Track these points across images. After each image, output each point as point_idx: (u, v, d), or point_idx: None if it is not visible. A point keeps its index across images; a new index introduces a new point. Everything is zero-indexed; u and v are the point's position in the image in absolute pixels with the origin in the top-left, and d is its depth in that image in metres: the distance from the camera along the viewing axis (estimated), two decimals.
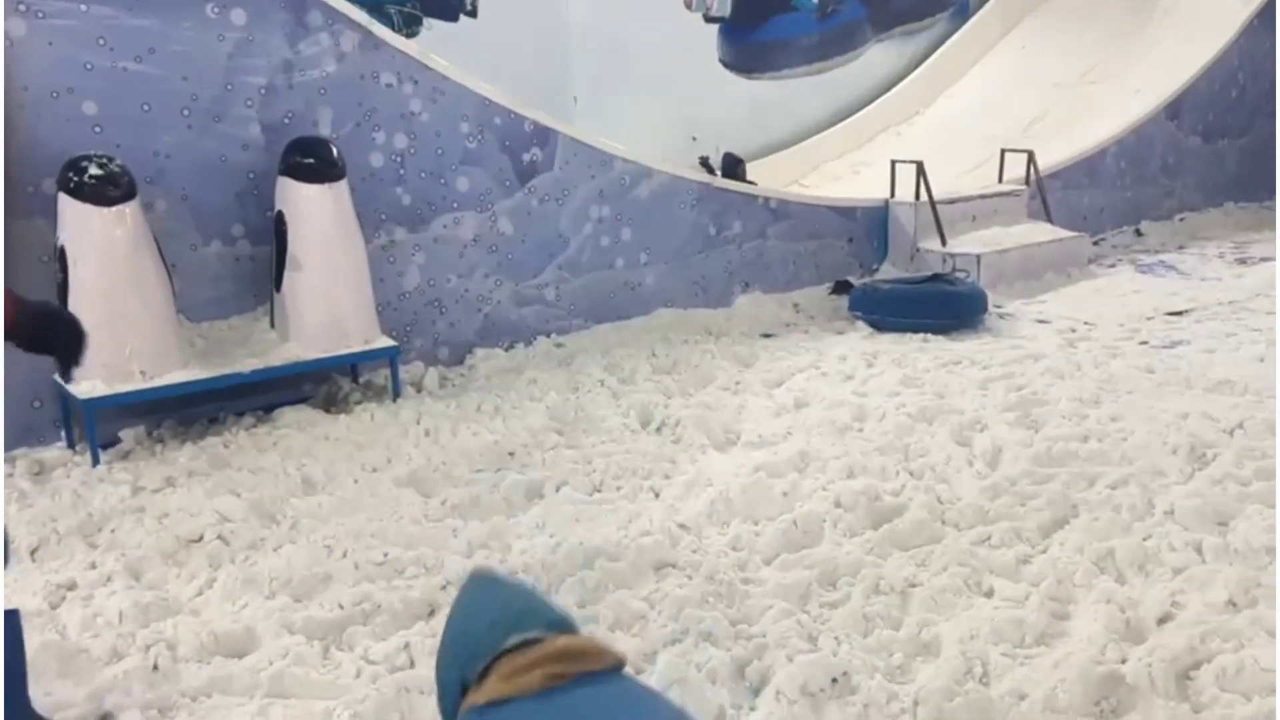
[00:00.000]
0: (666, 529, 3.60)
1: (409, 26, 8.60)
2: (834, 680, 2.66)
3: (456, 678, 1.57)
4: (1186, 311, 6.44)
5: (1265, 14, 9.91)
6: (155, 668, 2.82)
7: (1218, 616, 2.87)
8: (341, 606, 3.13)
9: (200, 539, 3.59)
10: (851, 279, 7.26)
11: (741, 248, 6.84)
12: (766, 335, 6.39)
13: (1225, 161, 9.85)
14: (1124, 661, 2.67)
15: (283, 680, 2.80)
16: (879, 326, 6.35)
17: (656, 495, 3.94)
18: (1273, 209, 10.12)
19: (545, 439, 4.53)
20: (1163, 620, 2.89)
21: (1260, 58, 9.91)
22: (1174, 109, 9.32)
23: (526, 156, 5.83)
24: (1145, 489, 3.74)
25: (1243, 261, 7.92)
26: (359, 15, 5.24)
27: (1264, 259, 7.85)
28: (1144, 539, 3.34)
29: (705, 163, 9.15)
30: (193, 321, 4.89)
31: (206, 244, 4.93)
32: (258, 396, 4.92)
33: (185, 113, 4.79)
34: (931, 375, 5.32)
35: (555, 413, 4.85)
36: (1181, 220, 9.36)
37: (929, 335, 6.12)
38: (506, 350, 5.86)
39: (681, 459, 4.30)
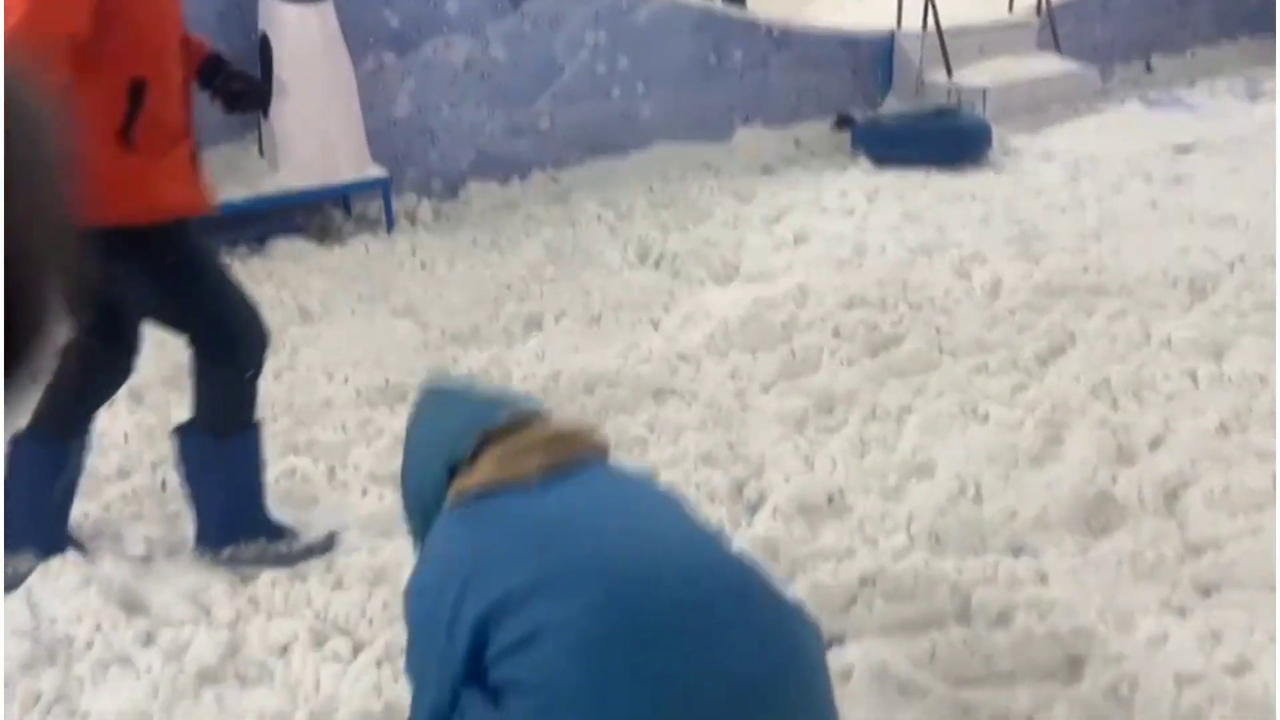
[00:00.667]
0: (665, 358, 3.62)
1: None
2: (829, 499, 2.73)
3: (442, 462, 1.54)
4: (1192, 146, 6.32)
5: None
6: (164, 486, 2.87)
7: (1208, 441, 2.93)
8: (344, 429, 3.17)
9: None
10: (854, 113, 7.08)
11: (742, 78, 6.62)
12: (766, 171, 6.27)
13: None
14: (1115, 481, 2.74)
15: (290, 499, 2.85)
16: (882, 162, 6.22)
17: (655, 326, 3.94)
18: None
19: (542, 272, 4.50)
20: (1154, 444, 2.95)
21: None
22: None
23: None
24: (1143, 320, 3.75)
25: (1254, 97, 7.73)
26: None
27: (1275, 93, 7.66)
28: (1139, 367, 3.37)
29: None
30: None
31: None
32: (250, 227, 4.84)
33: None
34: (933, 210, 5.26)
35: (552, 247, 4.80)
36: (1193, 55, 9.06)
37: (932, 170, 6.01)
38: (502, 185, 5.75)
39: (680, 292, 4.28)
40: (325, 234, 5.06)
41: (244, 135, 4.96)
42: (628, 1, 5.99)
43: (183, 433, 2.53)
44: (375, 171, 4.93)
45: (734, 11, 6.92)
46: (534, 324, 4.02)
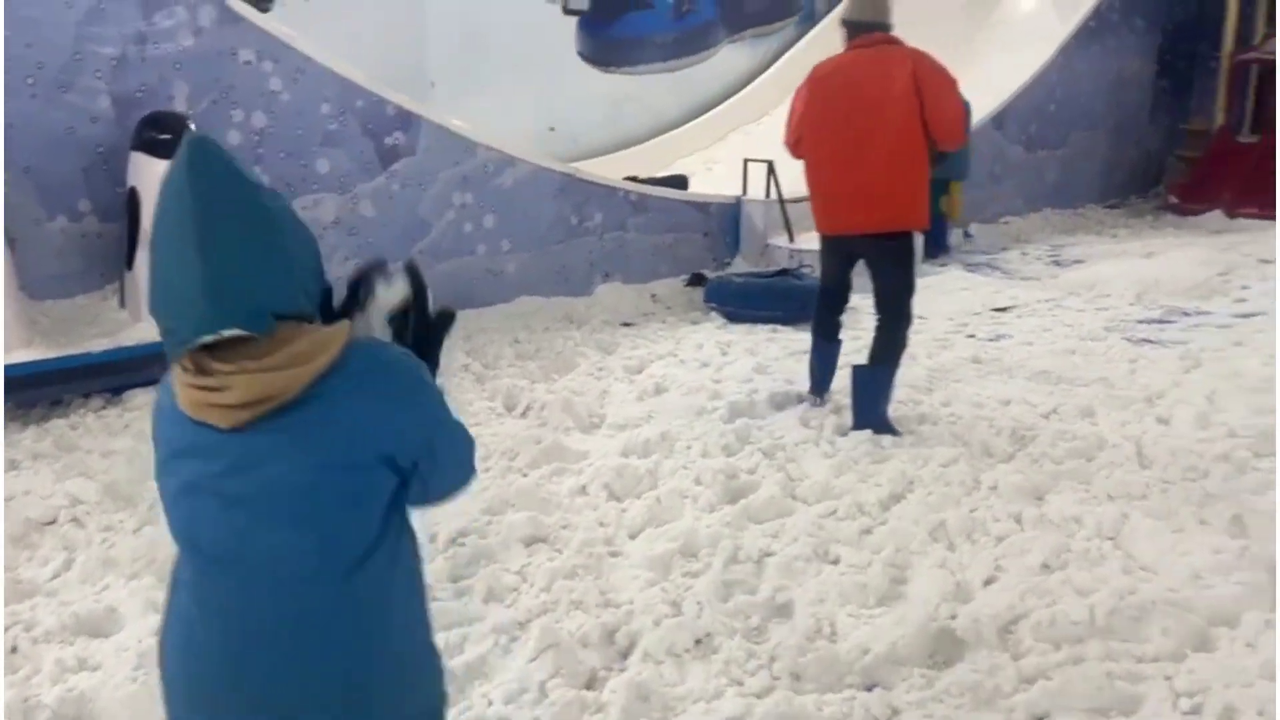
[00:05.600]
0: (535, 506, 3.72)
1: (262, 2, 8.37)
2: (697, 641, 2.86)
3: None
4: (1009, 308, 6.99)
5: (1080, 34, 10.76)
6: (14, 649, 2.75)
7: (1034, 578, 3.21)
8: None
9: (53, 521, 3.49)
10: (706, 272, 7.54)
11: (602, 238, 7.00)
12: (626, 324, 6.57)
13: (1044, 170, 10.67)
14: (954, 618, 2.96)
15: (151, 658, 2.77)
16: (732, 318, 6.63)
17: (524, 475, 4.05)
18: (1085, 215, 11.03)
19: None
20: (988, 582, 3.20)
21: (1075, 76, 10.76)
22: (999, 119, 10.03)
23: (389, 140, 5.82)
24: (973, 466, 4.09)
25: (1058, 263, 8.62)
26: None
27: (1076, 261, 8.57)
28: (971, 511, 3.67)
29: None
30: (36, 299, 4.69)
31: (51, 219, 4.74)
32: (105, 378, 4.75)
33: (29, 80, 4.58)
34: (781, 363, 5.62)
35: None
36: (1005, 223, 10.08)
37: (778, 326, 6.43)
38: None
39: (547, 441, 4.41)
40: None
41: (103, 286, 4.92)
42: (494, 165, 6.31)
43: (858, 368, 4.50)
44: None
45: (595, 176, 7.35)
46: None
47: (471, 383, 5.15)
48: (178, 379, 1.43)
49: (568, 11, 10.59)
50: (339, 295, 1.61)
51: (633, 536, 3.55)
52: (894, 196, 4.33)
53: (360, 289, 1.61)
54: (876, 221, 4.34)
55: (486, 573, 3.25)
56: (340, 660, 1.45)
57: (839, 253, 4.58)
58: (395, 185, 5.87)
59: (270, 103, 5.32)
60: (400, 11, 9.27)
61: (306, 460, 1.41)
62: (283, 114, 5.36)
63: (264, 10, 7.92)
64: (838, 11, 4.56)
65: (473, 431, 4.55)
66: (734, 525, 3.60)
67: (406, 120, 5.89)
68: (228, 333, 1.36)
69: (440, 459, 1.55)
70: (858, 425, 4.42)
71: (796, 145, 4.55)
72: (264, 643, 1.44)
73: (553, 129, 10.40)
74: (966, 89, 10.63)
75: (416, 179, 5.95)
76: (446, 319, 1.66)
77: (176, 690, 1.51)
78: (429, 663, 1.60)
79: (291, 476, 1.41)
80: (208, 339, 1.37)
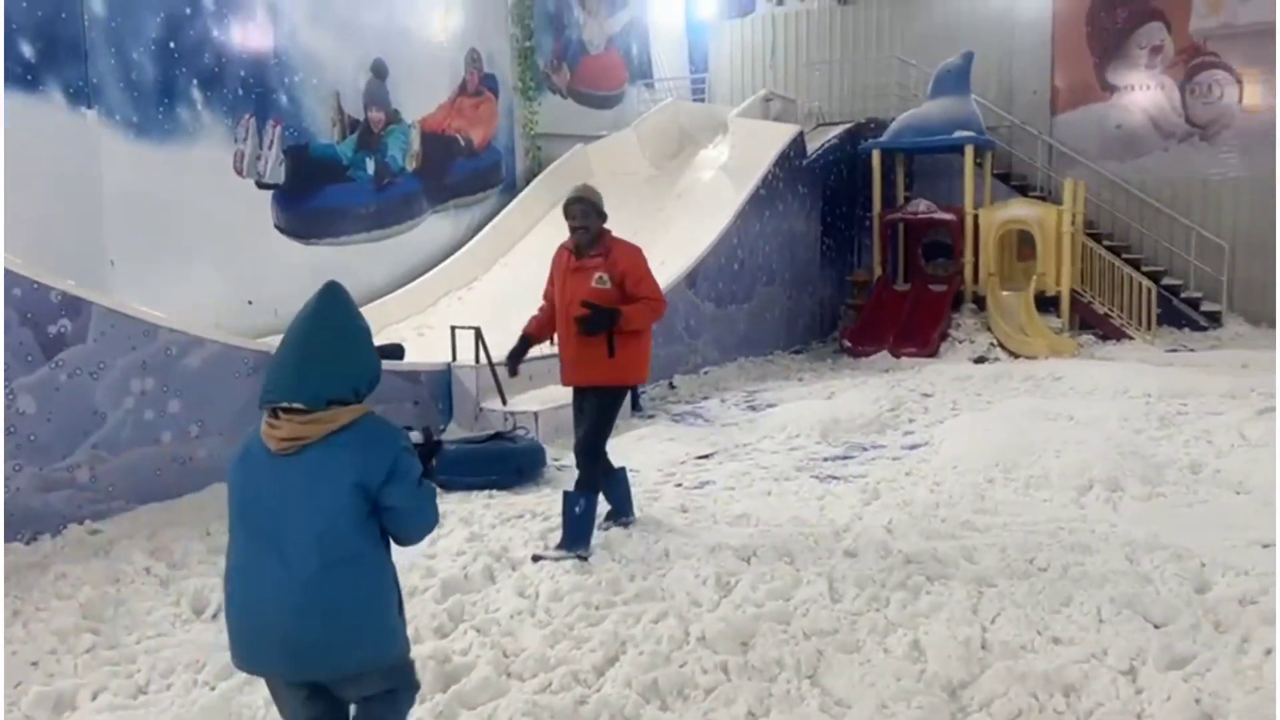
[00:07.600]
0: None
1: None
2: None
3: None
4: (711, 455, 7.35)
5: (753, 200, 11.89)
6: None
7: None
8: None
9: None
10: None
11: None
12: None
13: (735, 323, 11.51)
14: None
15: None
16: (447, 486, 6.51)
17: (212, 689, 3.69)
18: (774, 361, 11.93)
19: (77, 643, 4.07)
20: None
21: (753, 237, 11.82)
22: (691, 279, 10.78)
23: (53, 329, 5.36)
24: (682, 619, 4.18)
25: (753, 408, 9.22)
26: None
27: (769, 405, 9.21)
28: (681, 666, 3.73)
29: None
30: None
31: None
32: None
33: None
34: (496, 531, 5.56)
35: (90, 610, 4.39)
36: (705, 374, 10.72)
37: (494, 491, 6.39)
38: (28, 544, 5.20)
39: None
40: None
41: None
42: (178, 347, 5.96)
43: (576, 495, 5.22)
44: None
45: None
46: (66, 705, 3.59)
47: (154, 587, 4.69)
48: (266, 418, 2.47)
49: (262, 186, 10.42)
50: None
51: None
52: None
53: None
54: None
55: None
56: (321, 615, 2.38)
57: None
58: (62, 376, 5.38)
59: None
60: (74, 189, 8.74)
61: (309, 481, 2.39)
62: None
63: None
64: (592, 199, 4.96)
65: (153, 643, 4.14)
66: (445, 715, 3.44)
67: (74, 306, 5.46)
68: (295, 404, 2.40)
69: (399, 493, 2.44)
70: (580, 544, 5.07)
71: None
72: (278, 598, 2.37)
73: (250, 302, 10.05)
74: (661, 254, 11.48)
75: (88, 368, 5.49)
76: (436, 445, 2.76)
77: (231, 635, 2.48)
78: (393, 630, 2.55)
79: (301, 490, 2.39)
80: (283, 404, 2.42)
